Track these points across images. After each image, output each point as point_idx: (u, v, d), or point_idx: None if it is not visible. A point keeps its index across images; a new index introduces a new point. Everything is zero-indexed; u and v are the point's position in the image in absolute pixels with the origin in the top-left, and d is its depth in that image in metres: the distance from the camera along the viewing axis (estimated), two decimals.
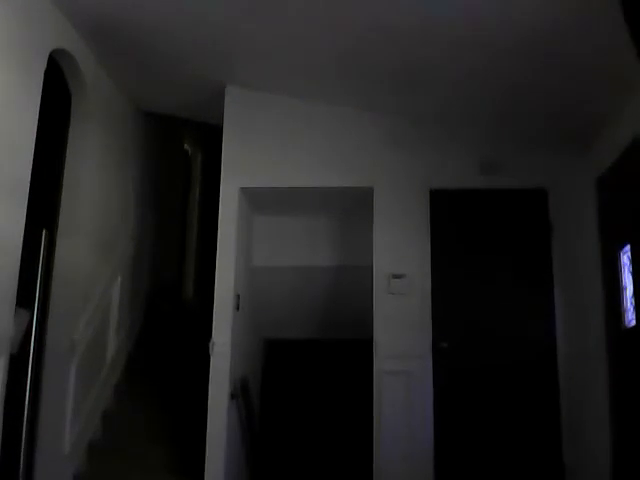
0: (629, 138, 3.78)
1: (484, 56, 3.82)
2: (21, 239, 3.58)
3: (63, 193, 4.51)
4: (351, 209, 5.35)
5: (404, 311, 4.59)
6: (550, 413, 4.45)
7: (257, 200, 5.16)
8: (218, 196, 4.78)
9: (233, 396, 4.53)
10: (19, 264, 3.56)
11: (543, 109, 4.26)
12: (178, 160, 7.53)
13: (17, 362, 3.69)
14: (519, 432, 4.45)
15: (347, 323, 5.31)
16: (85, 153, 4.60)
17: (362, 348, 4.65)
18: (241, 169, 4.83)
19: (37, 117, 3.75)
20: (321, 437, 4.83)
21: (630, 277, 3.89)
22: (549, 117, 4.36)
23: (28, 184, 3.67)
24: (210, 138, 6.55)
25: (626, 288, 3.97)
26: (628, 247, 3.91)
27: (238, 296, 4.76)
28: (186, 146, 7.85)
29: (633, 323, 3.84)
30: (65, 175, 4.53)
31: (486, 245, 4.72)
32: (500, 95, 4.24)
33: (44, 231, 4.03)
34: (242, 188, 4.83)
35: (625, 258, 3.98)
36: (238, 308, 4.74)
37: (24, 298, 3.72)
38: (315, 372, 4.97)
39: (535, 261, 4.67)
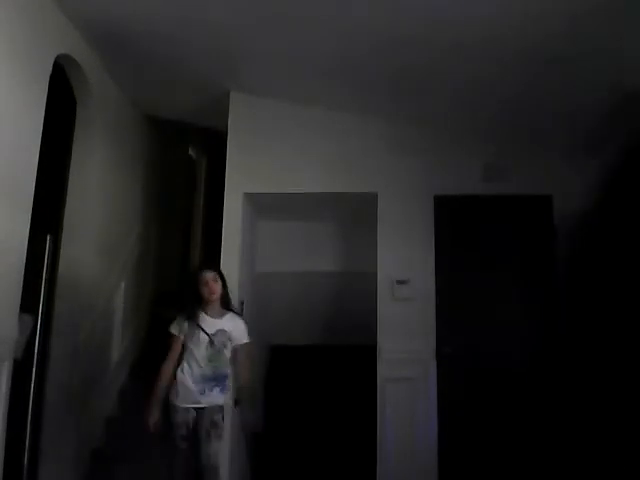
0: (634, 143, 3.77)
1: (487, 61, 3.82)
2: (25, 244, 3.58)
3: (68, 199, 4.51)
4: (355, 215, 5.34)
5: (408, 317, 4.58)
6: (554, 419, 4.43)
7: (261, 206, 5.16)
8: (222, 201, 4.79)
9: (237, 402, 4.51)
10: (23, 269, 3.56)
11: (548, 115, 4.25)
12: (183, 165, 7.54)
13: (21, 368, 3.68)
14: (524, 438, 4.43)
15: (351, 329, 5.30)
16: (90, 159, 4.61)
17: (366, 354, 4.64)
18: (245, 175, 4.83)
19: (42, 122, 3.75)
20: (325, 442, 4.81)
21: None
22: (554, 123, 4.36)
23: (33, 189, 3.66)
24: (215, 143, 6.55)
25: None
26: None
27: (242, 302, 4.75)
28: (191, 151, 7.86)
29: None
30: (70, 180, 4.53)
31: (490, 251, 4.71)
32: (504, 100, 4.23)
33: (48, 236, 4.03)
34: (246, 194, 4.83)
35: None
36: (242, 314, 4.72)
37: (28, 303, 3.71)
38: (319, 377, 4.97)
39: (540, 267, 4.66)
